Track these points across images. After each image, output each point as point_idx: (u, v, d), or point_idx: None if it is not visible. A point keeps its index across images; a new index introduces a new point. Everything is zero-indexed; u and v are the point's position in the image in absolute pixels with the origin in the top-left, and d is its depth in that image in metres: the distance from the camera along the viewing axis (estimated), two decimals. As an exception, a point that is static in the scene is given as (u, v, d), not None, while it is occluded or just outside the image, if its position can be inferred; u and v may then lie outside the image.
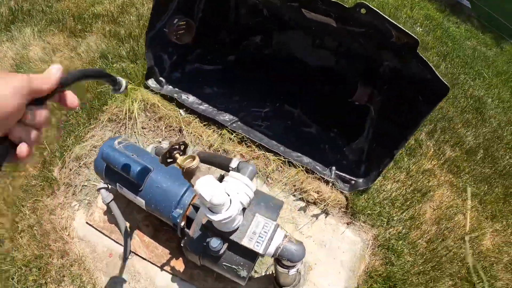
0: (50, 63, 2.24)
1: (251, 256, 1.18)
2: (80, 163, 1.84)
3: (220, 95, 2.03)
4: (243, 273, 1.18)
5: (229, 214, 1.01)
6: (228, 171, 1.09)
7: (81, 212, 1.74)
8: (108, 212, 1.67)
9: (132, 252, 1.61)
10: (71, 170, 1.83)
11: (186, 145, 1.06)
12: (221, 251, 1.14)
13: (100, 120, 1.95)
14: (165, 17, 1.76)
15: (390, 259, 1.72)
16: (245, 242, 1.13)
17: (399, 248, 1.75)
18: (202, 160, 1.10)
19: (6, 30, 2.46)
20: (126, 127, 1.93)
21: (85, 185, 1.80)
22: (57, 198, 1.76)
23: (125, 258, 1.59)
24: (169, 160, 1.06)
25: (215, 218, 1.00)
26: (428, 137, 2.27)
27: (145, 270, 1.60)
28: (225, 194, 0.97)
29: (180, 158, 1.02)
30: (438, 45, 3.07)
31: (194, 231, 1.20)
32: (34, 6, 2.59)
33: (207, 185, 0.93)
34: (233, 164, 1.07)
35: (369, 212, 1.79)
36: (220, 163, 1.11)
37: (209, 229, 1.16)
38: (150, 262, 1.60)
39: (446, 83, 1.26)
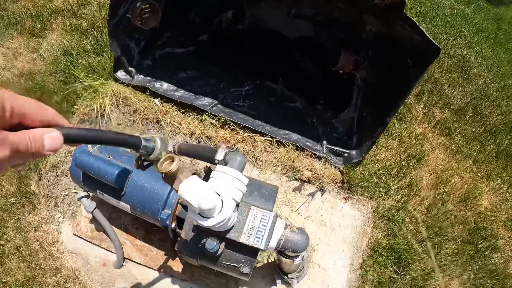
0: (12, 69, 2.08)
1: (252, 252, 1.10)
2: (57, 172, 1.72)
3: (196, 78, 1.90)
4: (246, 270, 1.10)
5: (223, 217, 0.89)
6: (215, 163, 0.97)
7: (66, 224, 1.63)
8: (95, 220, 1.57)
9: (126, 258, 1.52)
10: (48, 181, 1.70)
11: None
12: (219, 252, 1.06)
13: (71, 122, 1.82)
14: (127, 1, 1.61)
15: (392, 230, 1.68)
16: (243, 240, 1.04)
17: (399, 217, 1.71)
18: (184, 153, 0.99)
19: None
20: (100, 126, 1.80)
21: (66, 195, 1.69)
22: (39, 213, 1.65)
23: (119, 266, 1.50)
24: (145, 164, 0.94)
25: (207, 224, 0.88)
26: (416, 100, 2.22)
27: (142, 275, 1.51)
28: (214, 195, 0.86)
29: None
30: (416, 5, 3.00)
31: (186, 233, 1.10)
32: None
33: (192, 189, 0.80)
34: (219, 156, 0.95)
35: (366, 184, 1.73)
36: (204, 155, 0.99)
37: (203, 229, 1.07)
38: (146, 266, 1.51)
39: (437, 44, 1.18)
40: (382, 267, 1.61)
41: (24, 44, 2.21)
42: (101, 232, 1.55)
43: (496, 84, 2.52)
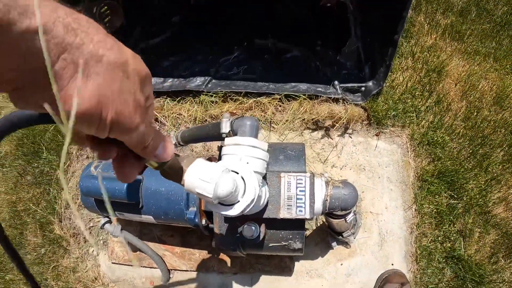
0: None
1: (298, 224, 0.97)
2: (75, 207, 1.64)
3: (180, 62, 1.74)
4: (297, 245, 0.98)
5: (250, 197, 0.71)
6: (223, 139, 0.83)
7: (102, 255, 1.56)
8: (127, 242, 1.48)
9: (171, 269, 1.44)
10: (70, 219, 1.62)
11: None
12: (261, 236, 0.93)
13: (71, 152, 1.72)
14: (80, 10, 1.47)
15: (435, 154, 1.53)
16: (284, 215, 0.91)
17: (439, 138, 1.56)
18: (190, 141, 0.86)
19: None
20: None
21: (92, 226, 1.61)
22: (72, 254, 1.58)
23: (167, 279, 1.42)
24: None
25: (233, 212, 0.71)
26: (416, 13, 2.02)
27: (192, 281, 1.43)
28: (230, 175, 0.67)
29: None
30: None
31: (219, 226, 0.98)
32: None
33: (200, 175, 0.59)
34: (225, 127, 0.80)
35: (393, 113, 1.57)
36: (209, 134, 0.86)
37: (235, 217, 0.94)
38: (193, 271, 1.42)
39: None
40: (436, 196, 1.48)
41: (2, 96, 2.11)
42: (138, 252, 1.46)
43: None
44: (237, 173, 0.73)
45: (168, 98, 1.67)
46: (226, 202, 0.70)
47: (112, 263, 1.51)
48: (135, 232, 1.45)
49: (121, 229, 1.29)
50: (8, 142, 1.86)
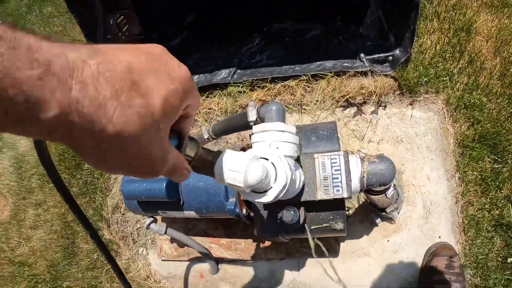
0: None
1: (337, 204, 0.96)
2: (121, 211, 1.71)
3: (203, 58, 1.75)
4: (339, 225, 0.96)
5: (282, 182, 0.70)
6: (251, 128, 0.84)
7: (151, 253, 1.63)
8: (173, 239, 1.53)
9: (219, 261, 1.47)
10: (117, 223, 1.70)
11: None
12: (301, 220, 0.93)
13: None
14: (98, 25, 1.50)
15: (474, 117, 1.46)
16: (321, 196, 0.89)
17: (476, 100, 1.48)
18: (221, 133, 0.88)
19: None
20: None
21: (139, 228, 1.68)
22: (123, 255, 1.65)
23: (216, 271, 1.46)
24: None
25: (267, 199, 0.70)
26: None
27: (240, 271, 1.46)
28: (259, 162, 0.65)
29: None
30: None
31: (259, 214, 1.00)
32: None
33: (230, 167, 0.59)
34: (251, 116, 0.81)
35: (425, 79, 1.51)
36: (238, 125, 0.87)
37: (274, 203, 0.94)
38: (240, 261, 1.45)
39: None
40: (479, 162, 1.41)
41: None
42: (185, 247, 1.51)
43: None
44: (267, 160, 0.72)
45: (197, 95, 1.68)
46: (259, 190, 0.70)
47: (162, 260, 1.57)
48: (181, 228, 1.49)
49: (167, 227, 1.33)
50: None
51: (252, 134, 0.81)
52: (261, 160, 0.69)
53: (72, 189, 1.84)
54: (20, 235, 1.98)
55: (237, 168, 0.59)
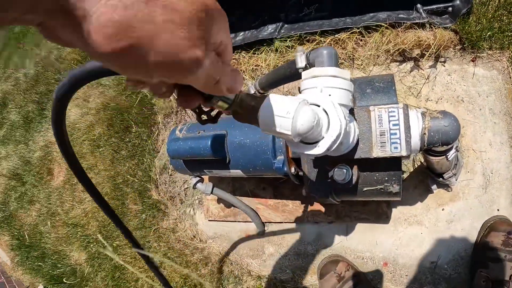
0: (90, 112, 2.17)
1: (394, 164, 0.87)
2: (169, 172, 1.74)
3: (247, 14, 1.65)
4: (394, 188, 0.88)
5: (336, 131, 0.62)
6: (300, 76, 0.77)
7: (198, 213, 1.65)
8: (220, 199, 1.54)
9: (265, 222, 1.46)
10: (165, 184, 1.74)
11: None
12: (354, 179, 0.86)
13: (158, 122, 1.81)
14: None
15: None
16: (378, 153, 0.81)
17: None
18: (268, 86, 0.82)
19: (42, 119, 2.51)
20: (185, 112, 1.75)
21: (186, 188, 1.70)
22: (171, 215, 1.70)
23: (262, 232, 1.45)
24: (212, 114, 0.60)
25: (318, 150, 0.62)
26: None
27: (287, 233, 1.44)
28: (310, 107, 0.58)
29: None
30: None
31: (308, 172, 0.94)
32: (49, 82, 2.55)
33: (276, 111, 0.52)
34: (300, 62, 0.72)
35: (489, 34, 1.33)
36: (286, 74, 0.79)
37: (324, 160, 0.88)
38: (287, 223, 1.43)
39: None
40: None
41: (87, 87, 2.28)
42: (232, 208, 1.51)
43: None
44: (318, 106, 0.64)
45: (243, 52, 1.63)
46: (309, 140, 0.63)
47: (209, 220, 1.58)
48: (228, 188, 1.49)
49: (213, 187, 1.33)
50: (100, 124, 2.03)
51: (302, 81, 0.74)
52: (312, 106, 0.62)
53: (121, 152, 1.90)
54: (73, 198, 2.10)
55: (284, 113, 0.53)
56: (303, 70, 0.74)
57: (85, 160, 2.05)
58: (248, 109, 0.52)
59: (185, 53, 0.29)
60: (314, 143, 0.63)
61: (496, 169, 1.26)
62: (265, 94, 0.54)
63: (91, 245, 1.96)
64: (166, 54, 0.28)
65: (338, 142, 0.64)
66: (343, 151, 0.81)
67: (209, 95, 0.45)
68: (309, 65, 0.74)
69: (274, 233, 1.45)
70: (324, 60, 0.71)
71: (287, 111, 0.53)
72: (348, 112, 0.74)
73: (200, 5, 0.29)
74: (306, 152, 0.64)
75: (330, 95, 0.70)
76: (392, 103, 0.86)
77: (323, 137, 0.63)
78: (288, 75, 0.80)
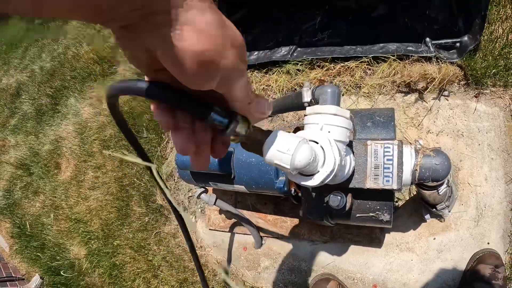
0: (103, 112, 2.25)
1: (386, 195, 0.94)
2: (174, 179, 1.81)
3: (263, 34, 1.72)
4: (385, 217, 0.95)
5: (330, 167, 0.69)
6: (305, 108, 0.84)
7: (200, 222, 1.72)
8: (222, 210, 1.61)
9: (263, 236, 1.52)
10: (170, 190, 1.81)
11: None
12: (347, 206, 0.93)
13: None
14: None
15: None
16: (370, 184, 0.89)
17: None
18: (275, 112, 0.89)
19: (54, 113, 2.57)
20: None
21: (190, 196, 1.77)
22: (173, 221, 1.77)
23: (259, 246, 1.51)
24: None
25: (313, 183, 0.69)
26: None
27: (283, 248, 1.50)
28: (308, 145, 0.64)
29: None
30: None
31: (306, 196, 1.01)
32: (64, 78, 2.64)
33: (278, 147, 0.59)
34: (306, 97, 0.80)
35: (494, 71, 1.39)
36: (291, 104, 0.87)
37: (322, 186, 0.95)
38: (284, 238, 1.49)
39: None
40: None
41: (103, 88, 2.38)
42: (232, 220, 1.57)
43: None
44: (317, 143, 0.71)
45: (256, 71, 1.70)
46: (306, 173, 0.69)
47: (209, 229, 1.65)
48: (230, 200, 1.56)
49: (216, 198, 1.39)
50: (112, 126, 2.11)
51: (305, 115, 0.81)
52: (311, 143, 0.69)
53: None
54: (79, 194, 2.16)
55: (285, 150, 0.59)
56: (308, 105, 0.80)
57: (94, 159, 2.13)
58: (255, 142, 0.59)
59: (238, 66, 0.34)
60: (311, 175, 0.70)
61: (490, 203, 1.31)
62: (271, 130, 0.60)
63: (92, 242, 2.02)
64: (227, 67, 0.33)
65: (331, 176, 0.70)
66: (338, 181, 0.88)
67: (222, 130, 0.52)
68: (314, 100, 0.81)
69: (271, 248, 1.51)
70: (328, 98, 0.78)
71: (287, 148, 0.59)
72: (345, 147, 0.81)
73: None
74: (302, 183, 0.71)
75: (329, 131, 0.77)
76: (390, 139, 0.92)
77: (319, 171, 0.70)
78: (294, 106, 0.87)
